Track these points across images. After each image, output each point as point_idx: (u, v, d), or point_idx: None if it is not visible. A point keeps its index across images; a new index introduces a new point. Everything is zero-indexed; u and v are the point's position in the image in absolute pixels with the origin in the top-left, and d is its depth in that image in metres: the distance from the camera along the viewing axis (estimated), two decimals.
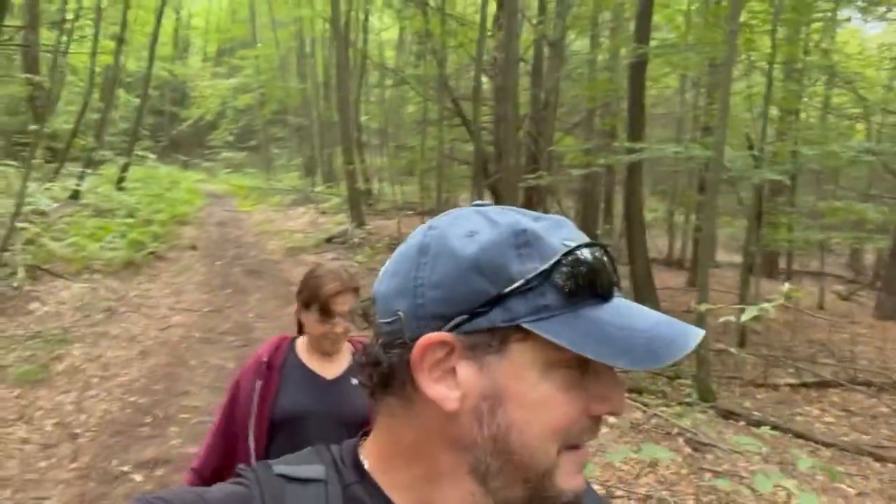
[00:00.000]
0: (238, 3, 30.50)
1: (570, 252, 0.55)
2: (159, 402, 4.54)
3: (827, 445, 4.84)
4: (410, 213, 15.06)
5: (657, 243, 16.01)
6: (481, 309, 0.54)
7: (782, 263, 15.38)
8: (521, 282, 0.54)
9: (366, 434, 0.65)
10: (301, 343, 1.88)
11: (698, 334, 0.54)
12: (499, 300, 0.54)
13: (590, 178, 15.44)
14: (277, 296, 8.46)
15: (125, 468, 3.57)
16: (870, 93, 12.49)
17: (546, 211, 16.27)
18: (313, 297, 1.78)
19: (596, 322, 0.54)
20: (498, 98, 10.89)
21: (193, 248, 10.69)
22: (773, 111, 12.89)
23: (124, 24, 13.33)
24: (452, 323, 0.55)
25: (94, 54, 12.84)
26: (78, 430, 4.04)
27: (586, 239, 0.58)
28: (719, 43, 7.19)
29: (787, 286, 2.31)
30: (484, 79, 13.93)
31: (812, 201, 11.32)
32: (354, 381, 1.82)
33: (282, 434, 1.75)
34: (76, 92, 16.00)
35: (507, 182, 9.28)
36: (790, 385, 6.31)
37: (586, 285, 0.54)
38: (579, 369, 0.55)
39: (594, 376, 0.56)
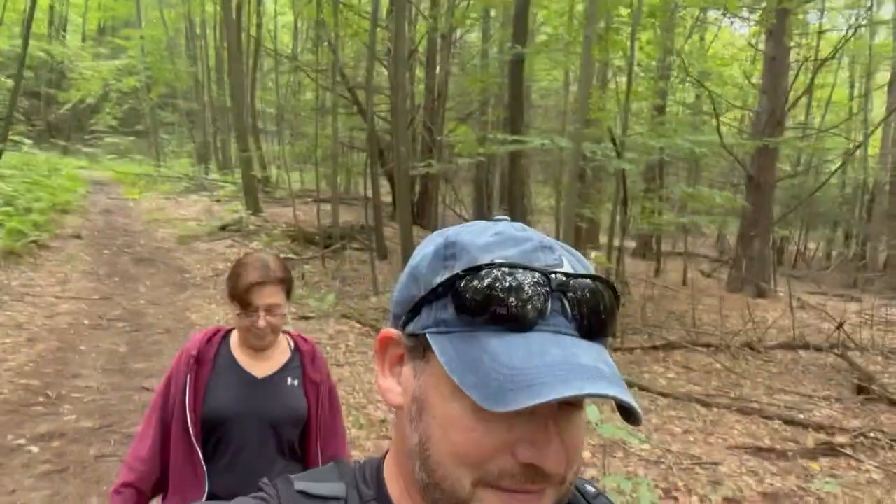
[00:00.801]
0: None
1: (476, 269, 0.52)
2: (51, 383, 4.66)
3: (664, 395, 5.69)
4: (309, 200, 15.18)
5: (546, 228, 17.00)
6: (411, 314, 0.56)
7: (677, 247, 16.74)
8: (426, 291, 0.54)
9: None
10: (235, 336, 1.79)
11: (583, 388, 0.46)
12: (417, 307, 0.55)
13: (482, 167, 16.20)
14: (170, 283, 8.50)
15: (21, 441, 3.75)
16: (725, 90, 13.90)
17: (440, 197, 16.80)
18: (233, 288, 1.69)
19: (483, 348, 0.50)
20: (391, 88, 11.28)
21: (78, 236, 10.40)
22: (644, 107, 14.09)
23: (31, 17, 12.54)
24: (400, 323, 0.57)
25: None
26: None
27: (536, 263, 0.53)
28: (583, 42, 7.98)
29: (593, 254, 2.88)
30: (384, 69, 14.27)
31: (681, 189, 12.56)
32: (291, 381, 1.76)
33: (210, 436, 1.68)
34: None
35: (399, 170, 9.72)
36: (643, 348, 7.21)
37: (479, 307, 0.51)
38: None
39: (524, 415, 0.50)
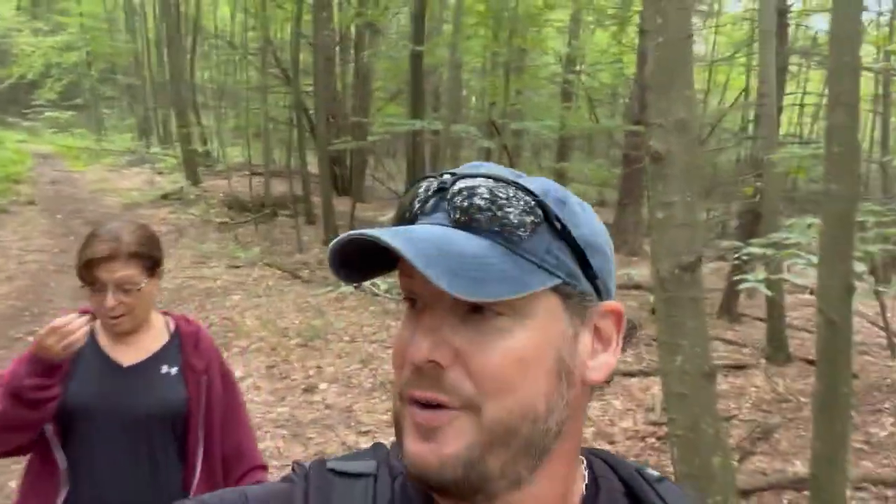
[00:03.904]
0: None
1: (416, 180, 0.56)
2: (32, 304, 6.21)
3: None
4: (247, 173, 16.57)
5: None
6: None
7: None
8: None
9: None
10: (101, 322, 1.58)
11: (362, 234, 0.48)
12: None
13: (413, 144, 17.87)
14: None
15: (19, 336, 5.32)
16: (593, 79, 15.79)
17: (369, 171, 18.30)
18: (77, 261, 1.51)
19: None
20: (314, 73, 12.74)
21: (32, 202, 11.66)
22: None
23: None
24: None
25: None
26: None
27: (473, 173, 0.54)
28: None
29: None
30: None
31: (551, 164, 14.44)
32: (167, 370, 1.58)
33: (69, 433, 1.51)
34: None
35: (319, 146, 11.29)
36: None
37: (395, 214, 0.56)
38: (409, 302, 0.53)
39: (423, 314, 0.51)
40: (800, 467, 3.93)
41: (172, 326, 1.66)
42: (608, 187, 14.81)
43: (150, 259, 1.55)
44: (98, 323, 1.57)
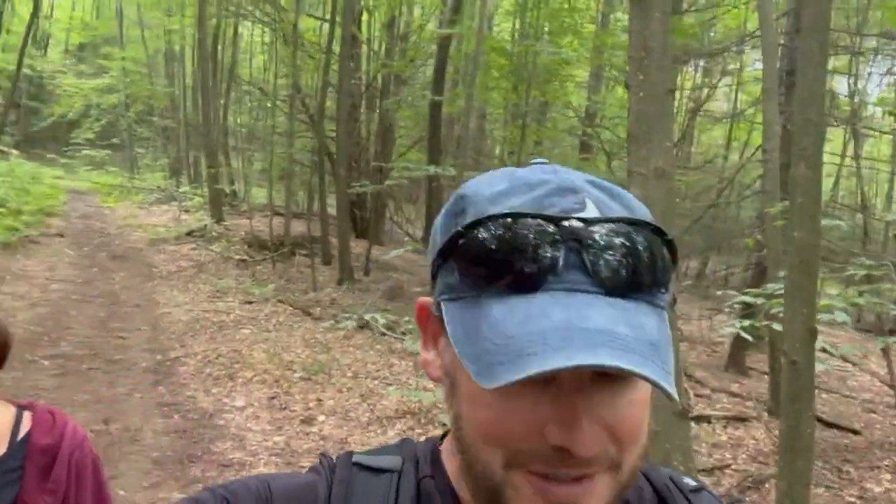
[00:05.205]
0: (102, 1, 30.68)
1: (476, 223, 0.46)
2: (51, 330, 6.46)
3: None
4: (269, 214, 17.03)
5: None
6: (433, 280, 0.51)
7: None
8: (436, 254, 0.50)
9: None
10: None
11: (572, 359, 0.40)
12: (434, 272, 0.51)
13: (430, 189, 18.25)
14: (140, 274, 10.28)
15: (35, 358, 5.55)
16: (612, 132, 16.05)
17: (388, 214, 18.72)
18: None
19: (484, 315, 0.44)
20: (336, 119, 13.22)
21: (61, 235, 12.11)
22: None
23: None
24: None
25: None
26: None
27: (549, 209, 0.46)
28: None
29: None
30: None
31: None
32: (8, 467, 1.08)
33: None
34: None
35: (339, 190, 11.64)
36: None
37: (478, 267, 0.45)
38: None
39: (542, 388, 0.44)
40: None
41: (24, 429, 1.13)
42: None
43: None
44: None
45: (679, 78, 14.97)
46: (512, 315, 0.43)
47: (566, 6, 9.90)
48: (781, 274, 4.95)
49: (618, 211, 0.47)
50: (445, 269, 0.49)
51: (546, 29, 10.77)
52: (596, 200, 0.48)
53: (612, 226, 0.45)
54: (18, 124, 28.49)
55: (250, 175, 19.35)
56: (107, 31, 28.92)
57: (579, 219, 0.45)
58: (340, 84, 11.75)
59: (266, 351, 6.60)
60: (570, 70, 11.24)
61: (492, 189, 0.49)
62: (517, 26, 12.62)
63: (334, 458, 0.59)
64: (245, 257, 12.42)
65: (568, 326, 0.42)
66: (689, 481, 0.61)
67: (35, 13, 15.89)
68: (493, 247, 0.45)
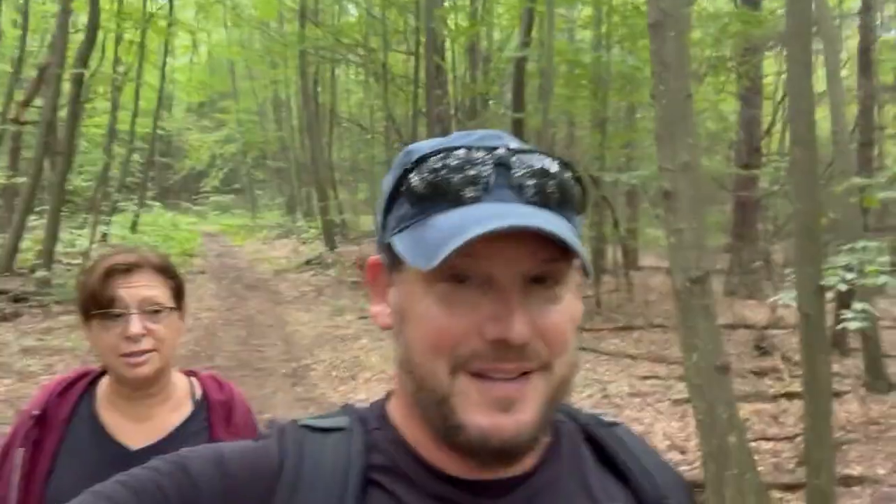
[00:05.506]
0: (216, 61, 33.92)
1: (421, 159, 0.53)
2: (206, 348, 7.74)
3: (610, 354, 8.10)
4: (374, 239, 18.37)
5: None
6: (383, 229, 0.58)
7: None
8: (386, 196, 0.56)
9: None
10: (104, 386, 1.23)
11: (504, 221, 0.48)
12: (385, 218, 0.57)
13: None
14: (270, 300, 11.70)
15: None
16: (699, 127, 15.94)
17: None
18: (83, 287, 1.17)
19: (431, 226, 0.52)
20: None
21: (202, 272, 13.89)
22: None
23: (137, 100, 16.71)
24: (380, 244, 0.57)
25: (111, 126, 16.12)
26: None
27: (480, 145, 0.54)
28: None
29: None
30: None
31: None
32: None
33: None
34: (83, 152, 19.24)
35: None
36: (609, 329, 9.60)
37: (426, 191, 0.53)
38: (457, 282, 0.52)
39: (482, 292, 0.52)
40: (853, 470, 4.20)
41: (199, 392, 1.30)
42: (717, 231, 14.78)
43: (174, 281, 1.27)
44: (100, 391, 1.23)
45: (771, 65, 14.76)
46: (449, 219, 0.51)
47: (632, 10, 10.31)
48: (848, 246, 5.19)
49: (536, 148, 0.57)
50: (396, 206, 0.56)
51: (617, 36, 11.22)
52: (518, 143, 0.56)
53: (532, 154, 0.54)
54: (155, 179, 32.10)
55: (356, 204, 20.85)
56: (221, 87, 31.85)
57: (506, 147, 0.54)
58: (429, 111, 12.74)
59: (381, 356, 7.53)
60: (644, 72, 11.56)
61: (432, 143, 0.57)
62: (589, 36, 13.10)
63: (282, 423, 0.61)
64: (357, 279, 13.64)
65: (490, 214, 0.49)
66: (608, 417, 0.67)
67: (162, 80, 18.26)
68: (436, 172, 0.52)
